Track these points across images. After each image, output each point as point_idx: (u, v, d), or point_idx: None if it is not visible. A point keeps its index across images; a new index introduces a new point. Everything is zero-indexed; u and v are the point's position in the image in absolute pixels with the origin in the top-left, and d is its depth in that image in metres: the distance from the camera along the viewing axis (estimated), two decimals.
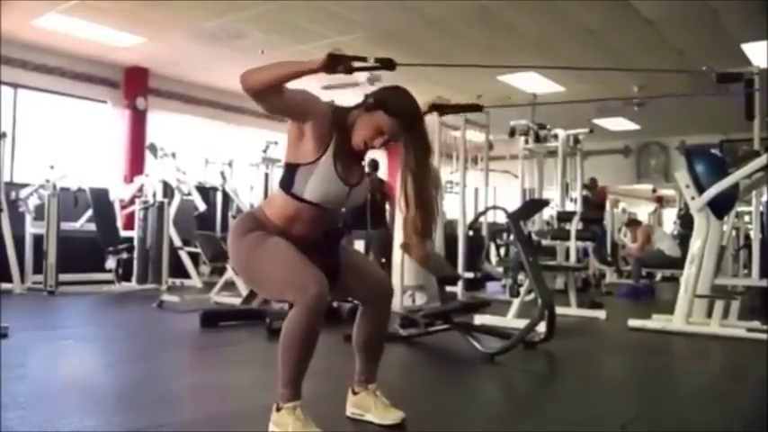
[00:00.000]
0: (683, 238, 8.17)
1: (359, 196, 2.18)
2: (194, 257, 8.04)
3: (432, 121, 6.53)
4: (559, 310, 4.38)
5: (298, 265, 2.03)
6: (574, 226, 7.07)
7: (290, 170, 2.09)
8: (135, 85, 9.51)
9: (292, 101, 2.03)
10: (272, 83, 1.96)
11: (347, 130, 2.09)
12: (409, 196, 2.08)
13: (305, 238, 2.12)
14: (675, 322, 4.78)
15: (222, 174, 9.09)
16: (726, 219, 5.50)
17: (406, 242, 2.14)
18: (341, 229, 2.27)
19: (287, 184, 2.09)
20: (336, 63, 1.97)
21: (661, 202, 15.74)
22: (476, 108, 2.70)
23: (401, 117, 2.06)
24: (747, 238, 8.99)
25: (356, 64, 2.05)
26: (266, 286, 2.20)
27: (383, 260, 6.23)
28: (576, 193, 8.87)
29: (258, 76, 1.95)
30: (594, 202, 9.87)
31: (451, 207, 8.78)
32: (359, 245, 6.32)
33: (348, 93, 8.73)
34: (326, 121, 2.07)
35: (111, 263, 7.13)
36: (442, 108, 2.49)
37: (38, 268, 6.96)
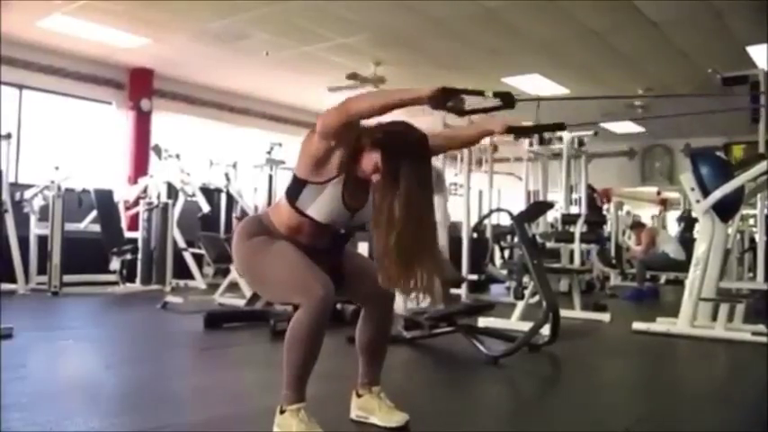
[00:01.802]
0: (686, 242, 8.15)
1: (362, 218, 2.14)
2: (198, 259, 8.04)
3: (434, 122, 6.54)
4: (563, 312, 4.38)
5: (303, 268, 2.03)
6: (578, 228, 7.06)
7: (299, 184, 2.05)
8: (139, 87, 9.52)
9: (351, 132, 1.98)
10: (376, 112, 1.90)
11: (358, 156, 2.02)
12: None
13: (309, 245, 2.11)
14: (680, 325, 4.76)
15: (226, 175, 9.10)
16: (731, 222, 5.48)
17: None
18: (346, 233, 2.26)
19: (293, 196, 2.07)
20: (447, 98, 1.85)
21: (665, 204, 15.72)
22: (560, 127, 2.37)
23: (396, 158, 1.93)
24: (752, 241, 8.97)
25: (469, 100, 1.92)
26: (271, 289, 2.21)
27: None
28: (582, 194, 8.86)
29: (365, 104, 1.88)
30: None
31: (456, 209, 8.77)
32: (362, 247, 6.32)
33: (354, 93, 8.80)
34: (349, 147, 2.00)
35: (115, 264, 7.14)
36: (520, 131, 2.25)
37: (42, 269, 6.98)
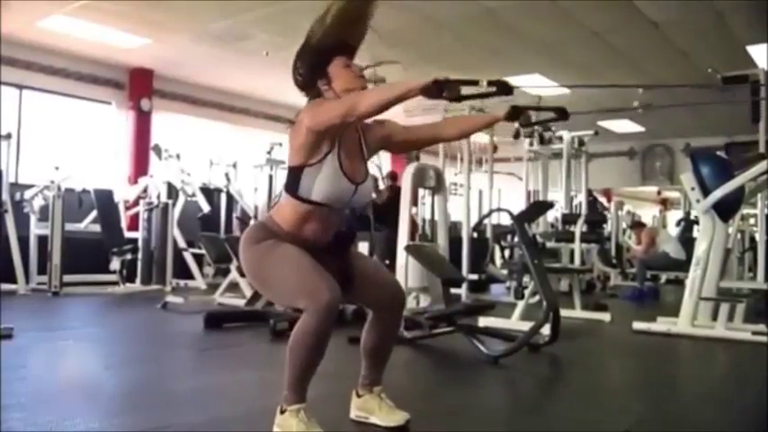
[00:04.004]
0: (686, 241, 8.15)
1: (365, 194, 2.16)
2: (198, 259, 8.04)
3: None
4: (564, 312, 4.38)
5: (310, 272, 2.01)
6: (578, 228, 7.05)
7: (296, 172, 2.07)
8: (139, 87, 9.53)
9: None
10: (380, 110, 1.95)
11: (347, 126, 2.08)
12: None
13: (316, 243, 2.11)
14: (680, 325, 4.76)
15: (226, 175, 9.10)
16: (731, 221, 5.48)
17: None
18: (351, 232, 2.25)
19: (293, 187, 2.07)
20: (441, 89, 1.87)
21: (666, 204, 15.72)
22: (562, 113, 2.38)
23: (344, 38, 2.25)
24: (753, 240, 8.96)
25: (465, 89, 1.92)
26: (278, 293, 2.19)
27: (386, 262, 6.22)
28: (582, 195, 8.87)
29: (373, 102, 1.92)
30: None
31: (456, 209, 8.77)
32: (362, 247, 6.31)
33: None
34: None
35: (115, 264, 7.13)
36: (523, 110, 2.26)
37: (42, 269, 6.98)
